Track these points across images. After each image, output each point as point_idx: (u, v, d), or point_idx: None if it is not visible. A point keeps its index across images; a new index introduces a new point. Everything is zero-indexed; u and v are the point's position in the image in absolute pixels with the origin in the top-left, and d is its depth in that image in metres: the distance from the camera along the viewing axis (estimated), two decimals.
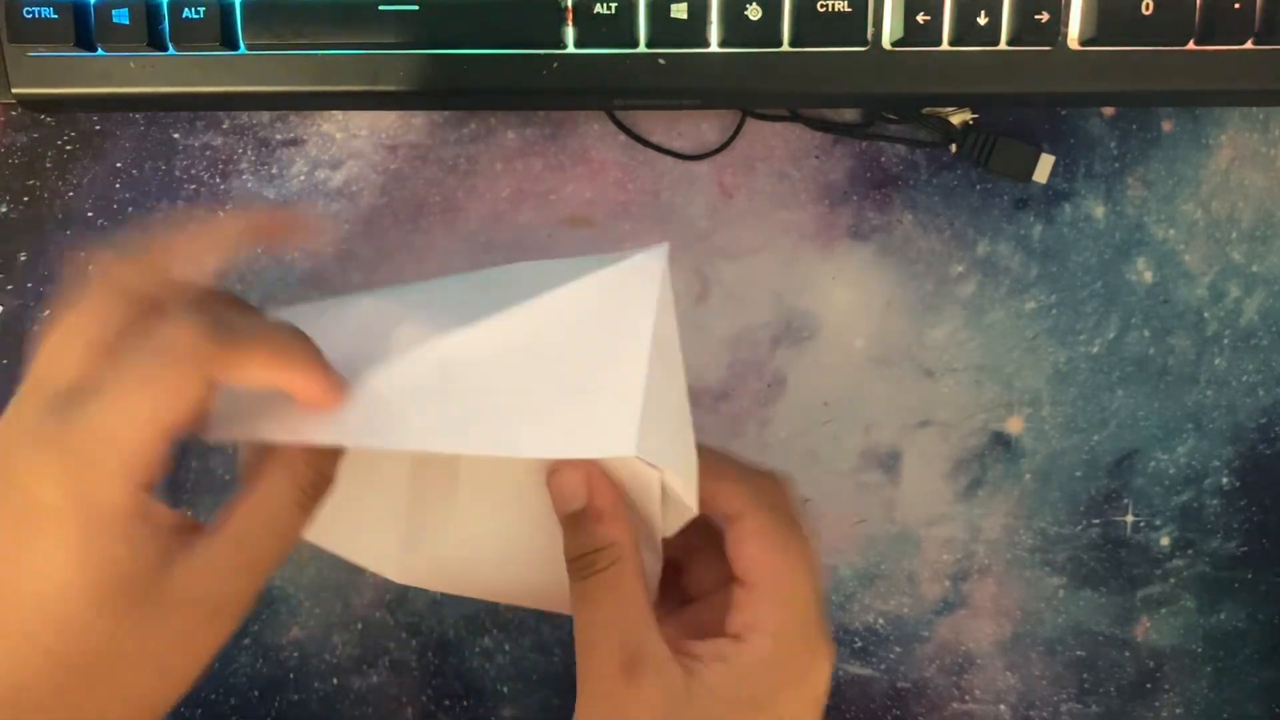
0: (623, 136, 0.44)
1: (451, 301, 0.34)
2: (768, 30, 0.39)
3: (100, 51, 0.39)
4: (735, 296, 0.45)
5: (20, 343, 0.44)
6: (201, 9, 0.38)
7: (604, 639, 0.31)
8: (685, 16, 0.38)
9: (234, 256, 0.32)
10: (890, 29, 0.39)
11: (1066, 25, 0.39)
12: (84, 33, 0.38)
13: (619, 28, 0.38)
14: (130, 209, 0.44)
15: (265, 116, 0.44)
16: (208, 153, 0.44)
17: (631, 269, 0.32)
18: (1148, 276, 0.45)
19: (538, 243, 0.44)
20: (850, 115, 0.44)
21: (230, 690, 0.46)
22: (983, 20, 0.39)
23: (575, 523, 0.32)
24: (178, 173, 0.44)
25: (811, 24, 0.39)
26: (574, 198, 0.44)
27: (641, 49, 0.39)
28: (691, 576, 0.36)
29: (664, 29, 0.39)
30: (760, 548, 0.32)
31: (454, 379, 0.31)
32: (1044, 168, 0.44)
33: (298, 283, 0.44)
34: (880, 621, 0.46)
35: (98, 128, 0.44)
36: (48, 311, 0.44)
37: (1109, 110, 0.44)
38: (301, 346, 0.30)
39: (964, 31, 0.39)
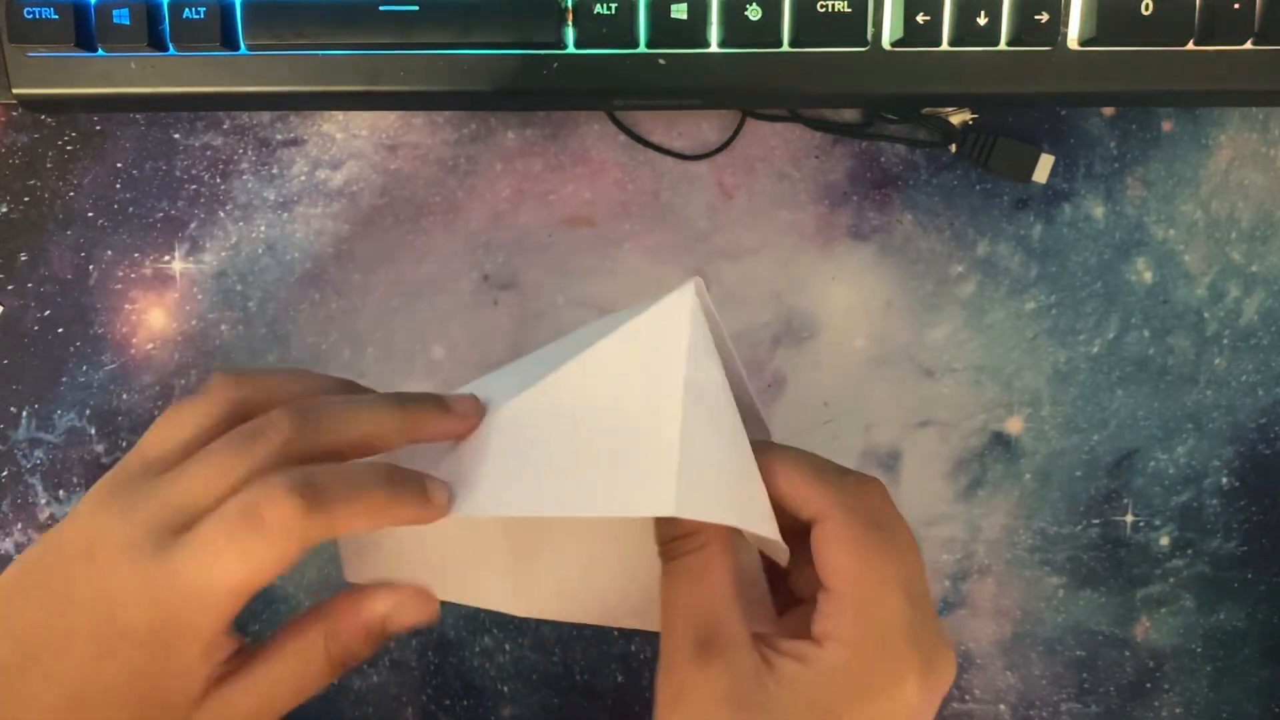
0: (623, 136, 0.44)
1: (512, 376, 0.34)
2: (768, 30, 0.39)
3: (100, 52, 0.39)
4: (735, 296, 0.45)
5: (20, 343, 0.44)
6: (202, 9, 0.38)
7: (682, 618, 0.31)
8: (685, 16, 0.38)
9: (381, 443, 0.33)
10: (890, 29, 0.39)
11: (1066, 25, 0.39)
12: (84, 33, 0.38)
13: (619, 28, 0.38)
14: (130, 209, 0.44)
15: (265, 116, 0.44)
16: (208, 153, 0.44)
17: (658, 316, 0.32)
18: (1147, 276, 0.45)
19: (538, 243, 0.44)
20: (850, 115, 0.44)
21: None
22: (982, 20, 0.39)
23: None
24: (178, 173, 0.44)
25: (811, 24, 0.39)
26: (574, 198, 0.44)
27: (641, 49, 0.39)
28: (799, 577, 0.35)
29: (664, 29, 0.39)
30: (841, 553, 0.31)
31: (505, 446, 0.32)
32: (1044, 168, 0.44)
33: (298, 283, 0.44)
34: None
35: (98, 128, 0.44)
36: (48, 311, 0.44)
37: (1109, 110, 0.44)
38: (393, 491, 0.31)
39: (964, 32, 0.39)
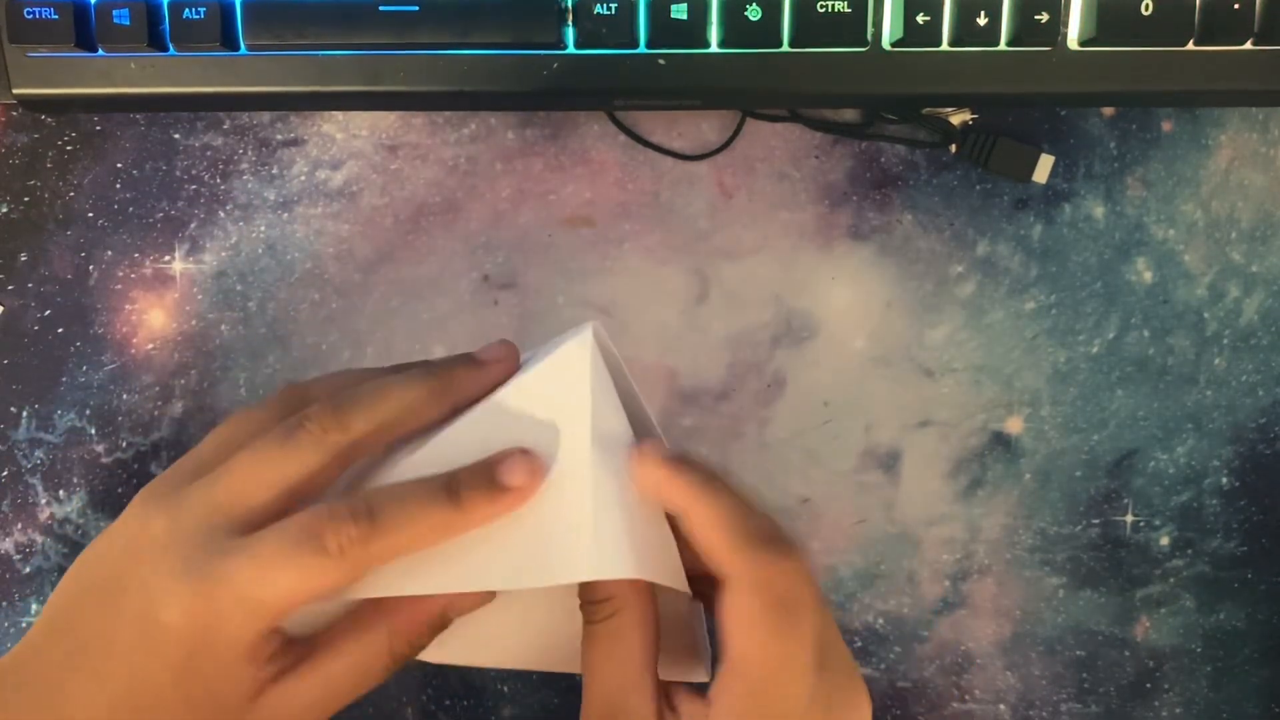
0: (622, 136, 0.44)
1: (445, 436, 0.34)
2: (768, 31, 0.39)
3: (101, 52, 0.39)
4: (735, 296, 0.45)
5: (20, 343, 0.44)
6: (202, 9, 0.38)
7: (593, 690, 0.32)
8: (685, 17, 0.38)
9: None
10: (890, 29, 0.39)
11: (1066, 25, 0.39)
12: (84, 33, 0.38)
13: (619, 28, 0.38)
14: (130, 209, 0.44)
15: (266, 117, 0.44)
16: (208, 153, 0.44)
17: (558, 366, 0.31)
18: (1147, 276, 0.45)
19: (538, 243, 0.44)
20: (850, 115, 0.44)
21: None
22: (982, 21, 0.39)
23: None
24: (178, 173, 0.44)
25: (811, 24, 0.39)
26: (574, 198, 0.44)
27: (641, 49, 0.39)
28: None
29: (664, 29, 0.39)
30: (739, 632, 0.30)
31: None
32: (1044, 168, 0.44)
33: (298, 283, 0.44)
34: (880, 621, 0.47)
35: (98, 128, 0.44)
36: (48, 311, 0.44)
37: (1109, 110, 0.44)
38: (455, 504, 0.31)
39: (964, 32, 0.39)
